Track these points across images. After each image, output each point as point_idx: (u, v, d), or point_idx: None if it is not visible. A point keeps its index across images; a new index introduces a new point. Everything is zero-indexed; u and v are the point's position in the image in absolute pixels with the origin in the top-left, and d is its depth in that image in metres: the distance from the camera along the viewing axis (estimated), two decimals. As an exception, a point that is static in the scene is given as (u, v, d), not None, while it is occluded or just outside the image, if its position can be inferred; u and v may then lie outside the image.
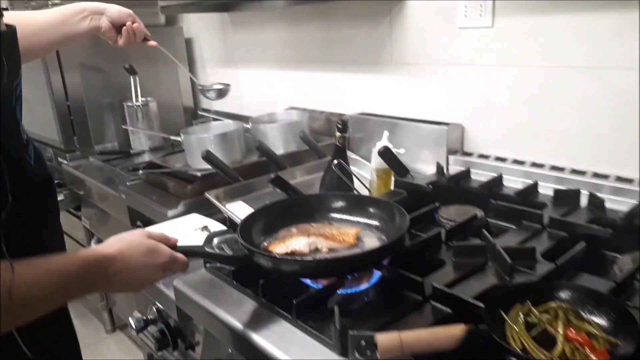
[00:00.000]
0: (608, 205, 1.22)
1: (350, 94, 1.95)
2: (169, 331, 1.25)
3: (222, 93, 1.95)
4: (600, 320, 0.79)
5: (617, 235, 1.07)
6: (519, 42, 1.40)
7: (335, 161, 1.31)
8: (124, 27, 1.34)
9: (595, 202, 1.22)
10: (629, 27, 1.19)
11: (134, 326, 1.28)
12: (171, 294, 1.10)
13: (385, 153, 1.38)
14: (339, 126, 1.32)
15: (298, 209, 1.14)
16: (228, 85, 1.97)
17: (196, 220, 1.43)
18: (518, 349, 0.74)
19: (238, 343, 0.92)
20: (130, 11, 1.38)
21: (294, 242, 0.97)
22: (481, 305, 0.82)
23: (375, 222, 1.11)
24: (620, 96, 1.24)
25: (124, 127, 2.33)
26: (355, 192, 1.32)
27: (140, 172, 1.75)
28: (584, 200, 1.26)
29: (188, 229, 1.38)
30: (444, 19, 1.55)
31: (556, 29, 1.32)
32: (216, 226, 1.38)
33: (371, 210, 1.12)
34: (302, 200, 1.18)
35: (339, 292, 0.95)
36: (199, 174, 1.62)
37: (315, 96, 2.11)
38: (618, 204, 1.23)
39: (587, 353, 0.72)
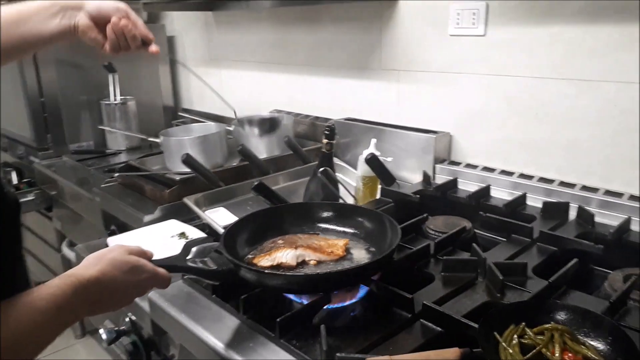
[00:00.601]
0: (597, 219, 1.20)
1: (337, 99, 1.91)
2: (143, 344, 1.19)
3: (271, 126, 1.31)
4: (597, 343, 0.76)
5: (607, 250, 1.05)
6: (511, 53, 1.38)
7: (322, 168, 1.27)
8: (108, 25, 0.99)
9: (585, 216, 1.20)
10: (624, 40, 1.17)
11: (104, 337, 1.21)
12: (146, 306, 1.04)
13: (372, 160, 1.35)
14: (327, 132, 1.28)
15: (284, 218, 1.09)
16: (280, 114, 1.46)
17: (174, 226, 1.37)
18: (513, 374, 0.71)
19: (216, 361, 0.86)
20: (119, 4, 1.01)
21: (281, 255, 0.93)
22: (475, 325, 0.79)
23: (363, 233, 1.07)
24: (612, 110, 1.23)
25: (100, 127, 2.24)
26: (341, 200, 1.28)
27: (116, 174, 1.68)
28: (572, 214, 1.25)
29: (165, 236, 1.32)
30: (435, 25, 1.52)
31: (550, 40, 1.29)
32: (195, 233, 1.33)
33: (360, 220, 1.08)
34: (288, 209, 1.13)
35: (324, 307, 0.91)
36: (177, 177, 1.56)
37: (301, 100, 2.07)
38: (607, 218, 1.21)
39: (585, 379, 0.69)
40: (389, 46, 1.67)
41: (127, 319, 1.23)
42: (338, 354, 0.74)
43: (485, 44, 1.43)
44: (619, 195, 1.23)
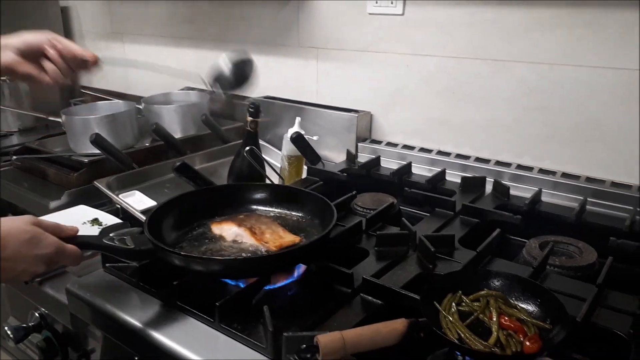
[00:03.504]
0: (511, 191, 1.27)
1: (254, 77, 1.86)
2: (57, 339, 1.09)
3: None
4: (527, 306, 0.81)
5: (522, 220, 1.12)
6: (428, 32, 1.41)
7: (247, 147, 1.22)
8: (46, 61, 0.98)
9: (501, 189, 1.27)
10: (535, 23, 1.24)
11: (11, 336, 1.10)
12: (62, 298, 0.95)
13: (298, 139, 1.33)
14: (251, 110, 1.24)
15: (214, 201, 1.05)
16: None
17: (84, 212, 1.27)
18: (455, 339, 0.73)
19: (151, 352, 0.81)
20: (45, 33, 0.99)
21: (227, 228, 0.94)
22: (415, 296, 0.80)
23: (298, 214, 1.05)
24: (523, 89, 1.30)
25: (-12, 105, 2.01)
26: (267, 180, 1.25)
27: (13, 157, 1.51)
28: (488, 187, 1.31)
29: (75, 223, 1.21)
30: (354, 3, 1.52)
31: (466, 21, 1.34)
32: (108, 219, 1.23)
33: (293, 201, 1.06)
34: (221, 190, 1.09)
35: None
36: (85, 160, 1.44)
37: (214, 77, 1.99)
38: (519, 191, 1.29)
39: (520, 339, 0.73)
40: (306, 23, 1.65)
41: (35, 314, 1.12)
42: (285, 334, 0.72)
43: (403, 23, 1.45)
44: (529, 169, 1.32)
